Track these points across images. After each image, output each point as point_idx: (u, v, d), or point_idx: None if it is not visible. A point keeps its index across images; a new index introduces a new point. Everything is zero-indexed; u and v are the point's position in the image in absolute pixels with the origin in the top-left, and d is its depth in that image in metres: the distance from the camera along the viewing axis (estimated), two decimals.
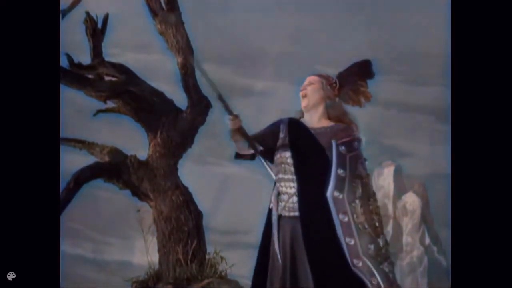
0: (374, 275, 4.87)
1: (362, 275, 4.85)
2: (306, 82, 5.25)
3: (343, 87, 5.24)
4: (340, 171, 4.94)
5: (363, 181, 5.00)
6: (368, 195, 5.00)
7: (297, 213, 4.95)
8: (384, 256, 4.96)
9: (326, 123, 5.13)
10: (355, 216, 4.91)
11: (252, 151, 5.20)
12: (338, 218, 4.89)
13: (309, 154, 5.01)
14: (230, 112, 5.13)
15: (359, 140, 5.08)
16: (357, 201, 4.94)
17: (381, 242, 4.96)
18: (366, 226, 4.92)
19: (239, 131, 5.12)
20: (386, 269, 4.93)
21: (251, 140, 5.14)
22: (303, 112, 5.22)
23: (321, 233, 4.87)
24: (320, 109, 5.16)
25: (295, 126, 5.11)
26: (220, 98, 5.12)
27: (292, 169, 5.00)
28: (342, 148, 4.99)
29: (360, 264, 4.87)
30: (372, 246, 4.91)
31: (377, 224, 4.97)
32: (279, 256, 4.99)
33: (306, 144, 5.03)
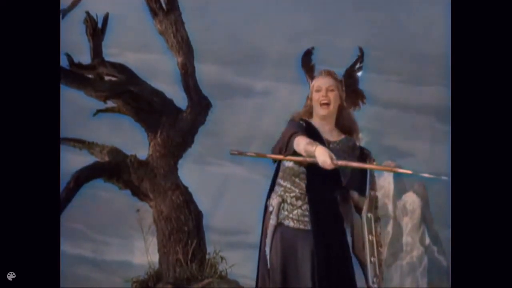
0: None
1: None
2: (323, 86, 4.98)
3: (347, 88, 5.08)
4: (372, 193, 4.95)
5: (378, 200, 5.04)
6: (377, 214, 5.05)
7: (300, 226, 4.88)
8: (383, 269, 5.06)
9: (336, 135, 4.99)
10: (377, 235, 4.98)
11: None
12: (368, 238, 4.92)
13: (324, 175, 4.84)
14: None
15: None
16: (378, 221, 4.99)
17: (382, 258, 5.05)
18: (382, 244, 5.00)
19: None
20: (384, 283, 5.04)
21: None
22: (315, 116, 4.99)
23: (336, 251, 4.87)
24: (334, 118, 5.00)
25: (312, 134, 4.89)
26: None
27: (303, 185, 4.89)
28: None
29: (377, 281, 4.92)
30: (383, 263, 4.99)
31: (381, 241, 5.04)
32: (268, 261, 4.96)
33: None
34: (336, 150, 4.91)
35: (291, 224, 4.92)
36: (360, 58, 5.17)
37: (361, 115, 5.15)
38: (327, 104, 4.95)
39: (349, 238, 4.93)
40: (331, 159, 4.62)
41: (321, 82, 5.01)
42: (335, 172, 4.87)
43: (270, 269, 4.93)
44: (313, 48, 5.22)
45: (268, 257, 4.94)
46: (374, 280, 4.92)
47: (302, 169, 4.89)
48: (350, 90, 5.09)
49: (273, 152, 4.93)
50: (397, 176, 12.10)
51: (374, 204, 4.97)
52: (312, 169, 4.85)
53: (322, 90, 4.97)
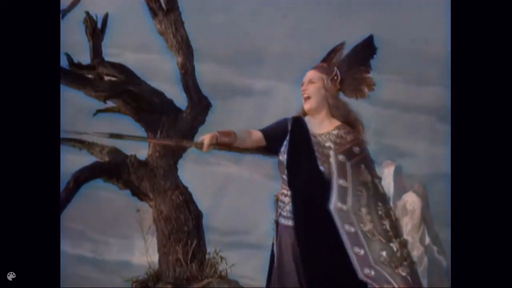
0: (388, 282, 4.69)
1: (374, 284, 4.69)
2: (306, 80, 4.97)
3: (345, 77, 4.99)
4: (341, 182, 4.78)
5: (368, 187, 4.83)
6: (376, 200, 4.82)
7: (289, 223, 4.85)
8: (400, 259, 4.75)
9: (328, 125, 4.94)
10: (361, 225, 4.74)
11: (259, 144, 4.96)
12: (344, 229, 4.72)
13: (305, 160, 4.84)
14: (195, 144, 4.93)
15: (360, 143, 4.90)
16: (363, 209, 4.77)
17: (394, 246, 4.76)
18: (375, 233, 4.74)
19: (218, 145, 4.89)
20: (403, 273, 4.73)
21: (233, 148, 4.92)
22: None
23: (318, 246, 4.74)
24: (323, 110, 4.94)
25: (297, 127, 4.91)
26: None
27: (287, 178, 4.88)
28: (341, 157, 4.82)
29: (372, 273, 4.69)
30: (384, 253, 4.73)
31: (388, 228, 4.77)
32: (275, 259, 4.96)
33: (305, 149, 4.86)
34: (323, 141, 4.87)
35: (282, 221, 4.90)
36: (363, 45, 5.10)
37: (361, 115, 5.14)
38: (308, 97, 4.94)
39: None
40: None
41: (304, 77, 5.01)
42: (315, 168, 4.83)
43: (275, 266, 4.94)
44: (344, 43, 5.17)
45: (275, 254, 4.95)
46: (367, 271, 4.68)
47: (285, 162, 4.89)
48: (352, 78, 5.01)
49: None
50: (397, 176, 12.10)
51: (352, 193, 4.78)
52: (290, 166, 4.85)
53: (303, 85, 4.99)
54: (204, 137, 4.84)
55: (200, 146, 4.86)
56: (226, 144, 4.88)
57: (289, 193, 4.87)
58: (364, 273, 4.71)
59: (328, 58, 5.10)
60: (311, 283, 4.72)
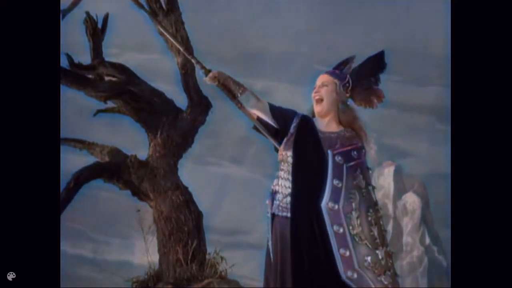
0: (369, 287, 4.78)
1: (356, 286, 4.76)
2: (319, 83, 5.06)
3: (356, 86, 5.08)
4: (336, 182, 4.83)
5: (361, 192, 4.88)
6: (368, 206, 4.87)
7: (288, 214, 4.87)
8: (384, 268, 4.84)
9: (334, 127, 5.00)
10: (350, 227, 4.80)
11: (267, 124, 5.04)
12: (333, 229, 4.78)
13: (310, 158, 4.88)
14: (202, 67, 5.09)
15: (359, 149, 4.95)
16: (354, 213, 4.82)
17: (380, 254, 4.84)
18: (363, 237, 4.81)
19: (223, 86, 5.04)
20: (385, 281, 4.82)
21: (234, 98, 5.04)
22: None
23: (310, 240, 4.78)
24: (332, 113, 5.02)
25: (305, 126, 4.95)
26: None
27: (291, 169, 4.89)
28: (339, 158, 4.88)
29: (355, 276, 4.77)
30: (369, 258, 4.81)
31: (376, 235, 4.85)
32: (271, 254, 4.96)
33: (311, 147, 4.90)
34: (326, 138, 4.93)
35: (281, 213, 4.92)
36: (374, 59, 5.16)
37: (362, 115, 5.16)
38: (320, 100, 5.02)
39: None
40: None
41: (317, 80, 5.09)
42: (321, 163, 4.86)
43: (272, 262, 4.93)
44: (354, 56, 5.23)
45: (270, 249, 4.95)
46: (349, 274, 4.76)
47: (289, 153, 4.91)
48: (363, 88, 5.10)
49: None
50: (397, 176, 12.11)
51: (344, 195, 4.83)
52: (296, 160, 4.87)
53: (316, 87, 5.06)
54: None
55: (206, 72, 5.08)
56: (230, 90, 5.04)
57: (290, 184, 4.88)
58: (347, 275, 4.78)
59: (338, 68, 5.17)
60: (296, 277, 4.75)
